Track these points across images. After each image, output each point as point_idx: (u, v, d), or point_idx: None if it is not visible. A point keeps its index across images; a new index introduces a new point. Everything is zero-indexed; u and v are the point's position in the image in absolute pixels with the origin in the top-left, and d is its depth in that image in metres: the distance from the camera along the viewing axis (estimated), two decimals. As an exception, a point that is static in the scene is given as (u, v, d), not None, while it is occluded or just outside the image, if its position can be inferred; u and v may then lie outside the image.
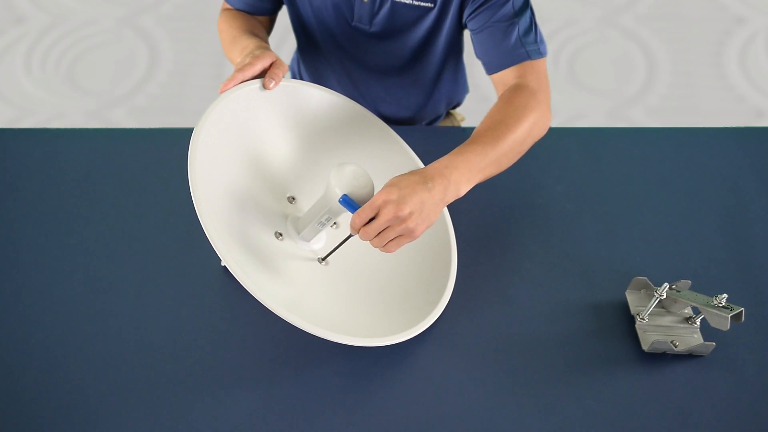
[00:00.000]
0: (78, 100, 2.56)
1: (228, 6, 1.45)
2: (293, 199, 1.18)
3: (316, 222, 1.11)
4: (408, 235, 1.04)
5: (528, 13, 1.27)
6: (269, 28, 1.48)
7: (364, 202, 1.06)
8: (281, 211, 1.16)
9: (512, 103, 1.21)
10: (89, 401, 1.07)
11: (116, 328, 1.15)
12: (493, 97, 2.52)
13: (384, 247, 1.05)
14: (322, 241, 1.17)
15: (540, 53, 1.26)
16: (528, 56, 1.25)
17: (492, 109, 1.21)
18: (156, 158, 1.37)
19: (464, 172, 1.11)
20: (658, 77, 2.59)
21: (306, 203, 1.19)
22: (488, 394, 1.08)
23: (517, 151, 1.19)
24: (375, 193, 1.06)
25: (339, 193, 1.05)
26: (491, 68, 1.29)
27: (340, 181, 1.05)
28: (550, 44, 2.67)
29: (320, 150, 1.22)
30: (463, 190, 1.11)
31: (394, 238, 1.04)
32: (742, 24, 2.74)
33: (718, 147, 1.40)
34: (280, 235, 1.13)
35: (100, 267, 1.22)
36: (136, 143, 1.41)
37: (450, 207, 1.23)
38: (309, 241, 1.15)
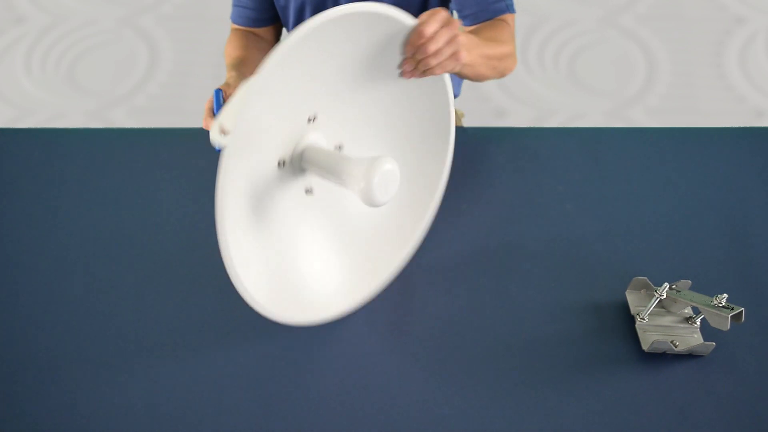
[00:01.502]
0: (78, 100, 2.56)
1: (234, 25, 1.46)
2: (314, 118, 1.07)
3: (318, 175, 1.07)
4: (457, 53, 1.04)
5: None
6: (274, 36, 1.48)
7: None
8: (293, 136, 1.06)
9: (504, 30, 1.28)
10: (89, 401, 1.07)
11: (116, 328, 1.15)
12: (491, 97, 2.52)
13: (443, 63, 1.03)
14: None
15: (513, 9, 1.32)
16: (507, 9, 1.30)
17: (485, 26, 1.29)
18: (156, 158, 1.37)
19: (472, 46, 1.13)
20: (658, 77, 2.59)
21: (327, 122, 1.08)
22: (488, 394, 1.08)
23: (493, 65, 1.23)
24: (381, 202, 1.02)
25: (356, 188, 1.00)
26: (471, 21, 1.32)
27: (368, 174, 0.99)
28: (551, 44, 2.68)
29: (355, 69, 1.08)
30: (467, 59, 1.09)
31: (451, 54, 1.03)
32: (742, 24, 2.74)
33: (718, 147, 1.39)
34: (283, 163, 1.06)
35: (100, 267, 1.22)
36: (136, 143, 1.41)
37: (450, 206, 1.22)
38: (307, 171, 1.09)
